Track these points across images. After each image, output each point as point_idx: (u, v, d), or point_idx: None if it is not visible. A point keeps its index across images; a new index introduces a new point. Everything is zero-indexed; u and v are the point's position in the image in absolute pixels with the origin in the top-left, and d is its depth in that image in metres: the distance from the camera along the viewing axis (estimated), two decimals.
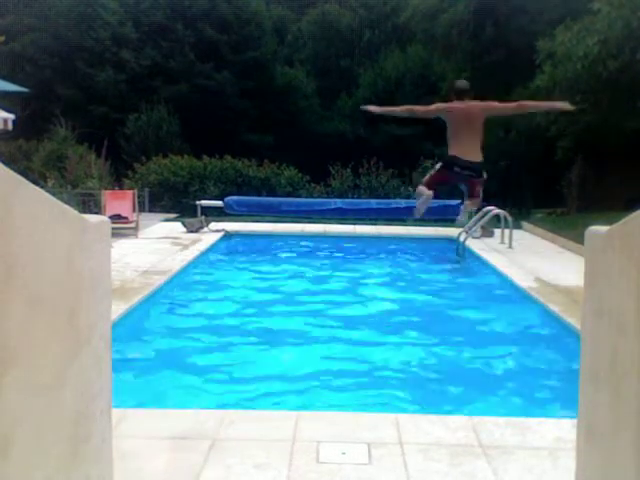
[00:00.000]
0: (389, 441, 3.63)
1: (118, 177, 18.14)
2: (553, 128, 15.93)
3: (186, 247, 11.15)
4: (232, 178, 18.59)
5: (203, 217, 13.92)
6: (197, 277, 9.49)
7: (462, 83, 10.40)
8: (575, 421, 2.57)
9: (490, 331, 6.96)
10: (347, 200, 16.21)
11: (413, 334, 6.78)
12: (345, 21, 27.26)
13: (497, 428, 3.85)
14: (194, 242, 11.74)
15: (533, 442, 3.67)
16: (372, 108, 10.49)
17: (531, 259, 10.40)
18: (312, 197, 17.56)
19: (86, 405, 2.26)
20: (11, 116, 12.88)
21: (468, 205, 10.43)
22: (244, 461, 3.37)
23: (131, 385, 5.04)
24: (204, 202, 15.05)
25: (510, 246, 11.59)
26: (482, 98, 10.15)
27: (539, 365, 5.82)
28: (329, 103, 25.54)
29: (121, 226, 12.05)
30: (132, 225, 12.48)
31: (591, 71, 13.40)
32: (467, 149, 9.76)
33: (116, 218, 12.11)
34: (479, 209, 11.55)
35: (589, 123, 14.64)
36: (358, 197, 17.71)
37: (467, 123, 9.75)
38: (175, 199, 18.05)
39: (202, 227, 13.45)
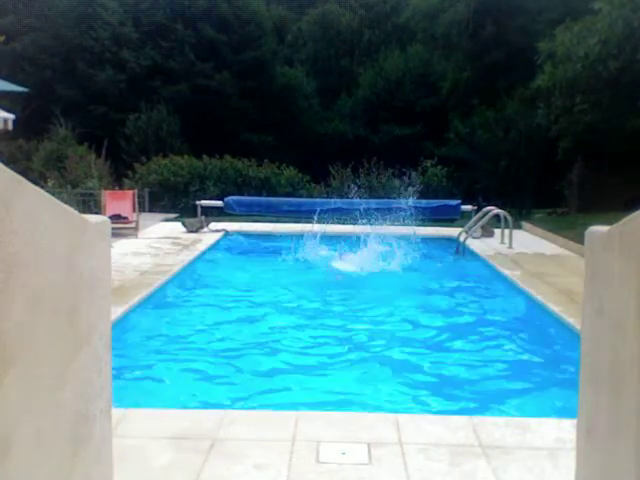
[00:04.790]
0: (389, 441, 3.63)
1: (118, 177, 18.14)
2: (553, 128, 15.93)
3: (186, 247, 11.15)
4: (232, 178, 18.59)
5: (203, 217, 13.92)
6: (197, 277, 9.48)
7: None
8: (575, 421, 2.57)
9: (490, 327, 6.96)
10: (347, 200, 16.19)
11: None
12: (345, 21, 27.26)
13: (497, 428, 3.85)
14: (194, 242, 11.74)
15: (533, 442, 3.67)
16: None
17: (531, 259, 10.40)
18: (312, 197, 17.55)
19: (86, 405, 2.26)
20: (11, 116, 12.88)
21: None
22: (244, 461, 3.37)
23: (130, 384, 5.04)
24: (204, 202, 15.04)
25: (510, 246, 11.58)
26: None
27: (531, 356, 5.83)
28: (329, 103, 25.54)
29: (121, 226, 12.05)
30: (132, 225, 12.48)
31: (592, 71, 13.39)
32: None
33: (116, 218, 12.11)
34: (479, 209, 11.55)
35: (589, 123, 14.63)
36: (358, 197, 17.71)
37: None
38: (175, 199, 18.05)
39: (202, 227, 13.45)
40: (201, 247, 11.22)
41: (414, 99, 23.56)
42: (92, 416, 2.33)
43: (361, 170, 18.47)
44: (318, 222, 12.23)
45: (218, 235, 12.92)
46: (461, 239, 11.45)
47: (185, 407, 4.46)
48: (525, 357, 6.10)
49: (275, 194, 17.72)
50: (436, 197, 16.66)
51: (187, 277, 9.19)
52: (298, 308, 7.80)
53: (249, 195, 17.16)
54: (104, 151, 17.68)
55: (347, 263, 10.20)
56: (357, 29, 27.21)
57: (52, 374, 1.97)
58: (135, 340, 6.22)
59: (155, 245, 11.30)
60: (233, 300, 8.07)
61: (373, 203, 15.54)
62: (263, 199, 16.57)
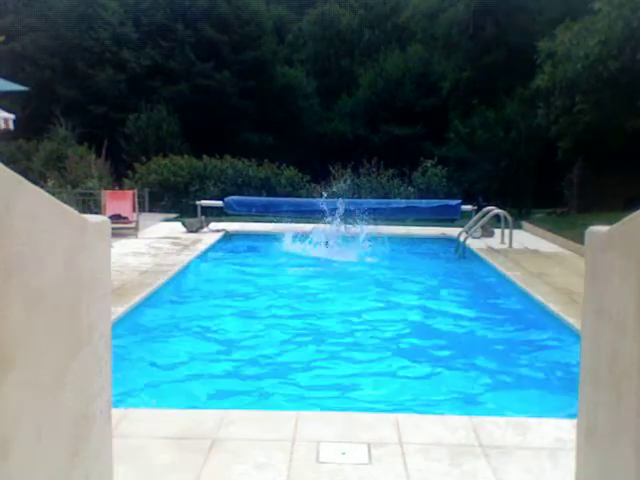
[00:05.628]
0: (389, 441, 3.63)
1: (118, 177, 18.14)
2: (553, 128, 15.93)
3: (186, 247, 11.15)
4: (232, 178, 18.59)
5: (203, 217, 13.92)
6: (197, 277, 9.49)
7: None
8: (575, 421, 2.57)
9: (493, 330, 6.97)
10: (347, 200, 16.18)
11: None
12: (345, 21, 27.27)
13: (497, 428, 3.85)
14: (194, 242, 11.74)
15: (533, 442, 3.67)
16: None
17: (531, 259, 10.40)
18: (312, 197, 17.55)
19: (86, 405, 2.26)
20: (12, 116, 12.87)
21: None
22: (244, 461, 3.37)
23: (130, 386, 5.04)
24: (204, 202, 15.04)
25: (510, 246, 11.58)
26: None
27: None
28: (329, 103, 25.55)
29: (121, 226, 12.05)
30: (132, 225, 12.48)
31: (591, 71, 13.39)
32: None
33: (116, 218, 12.11)
34: (479, 209, 11.55)
35: (589, 123, 14.63)
36: (358, 197, 17.71)
37: None
38: (175, 199, 18.05)
39: (202, 227, 13.45)
40: (201, 247, 11.22)
41: (414, 99, 23.56)
42: (92, 416, 2.33)
43: (361, 170, 18.48)
44: (319, 222, 12.25)
45: (218, 235, 12.92)
46: (461, 239, 11.45)
47: (185, 407, 4.45)
48: (524, 357, 6.10)
49: (275, 194, 17.72)
50: (436, 197, 16.66)
51: (187, 277, 9.19)
52: (299, 305, 7.80)
53: (249, 195, 17.16)
54: (104, 151, 17.67)
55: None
56: (357, 29, 27.22)
57: (52, 374, 1.97)
58: (135, 340, 6.22)
59: (155, 245, 11.30)
60: (233, 299, 8.07)
61: (373, 203, 15.56)
62: (263, 199, 16.56)
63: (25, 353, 1.75)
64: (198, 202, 14.94)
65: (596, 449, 2.29)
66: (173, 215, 16.44)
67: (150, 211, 16.74)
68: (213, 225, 13.74)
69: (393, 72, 24.10)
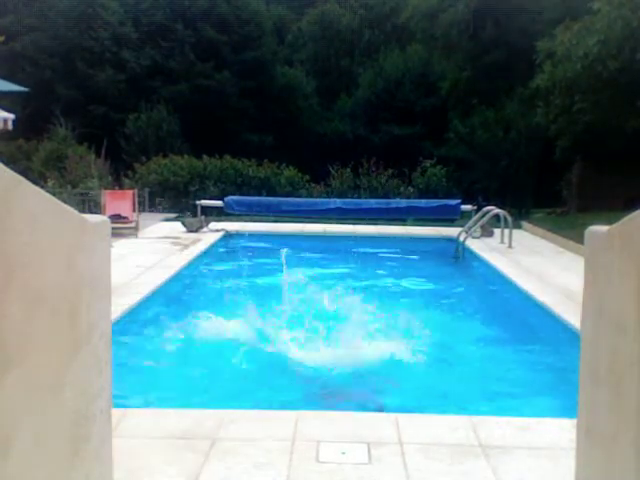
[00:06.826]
0: (389, 441, 3.63)
1: (118, 177, 18.13)
2: (552, 127, 15.91)
3: (186, 247, 11.15)
4: (232, 178, 18.59)
5: (203, 217, 13.92)
6: (197, 276, 9.48)
7: None
8: (575, 421, 2.57)
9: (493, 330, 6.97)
10: (347, 200, 16.20)
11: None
12: (345, 21, 27.28)
13: (497, 428, 3.84)
14: (194, 242, 11.74)
15: (533, 442, 3.67)
16: None
17: (531, 259, 10.39)
18: (312, 197, 17.56)
19: (86, 405, 2.26)
20: (11, 116, 12.87)
21: None
22: (244, 461, 3.37)
23: (131, 385, 5.04)
24: (204, 202, 15.04)
25: (510, 246, 11.58)
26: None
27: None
28: (329, 103, 25.55)
29: (121, 226, 12.04)
30: (132, 225, 12.48)
31: (591, 71, 13.39)
32: None
33: (116, 218, 12.10)
34: (479, 208, 11.55)
35: (588, 123, 14.62)
36: (358, 197, 17.73)
37: None
38: (175, 199, 18.05)
39: (202, 227, 13.46)
40: (201, 247, 11.22)
41: (414, 99, 23.56)
42: (92, 416, 2.33)
43: (361, 170, 18.48)
44: (318, 222, 12.23)
45: (218, 235, 12.92)
46: (461, 239, 11.45)
47: (185, 406, 4.45)
48: (524, 357, 6.10)
49: (275, 194, 17.71)
50: (436, 197, 16.66)
51: (187, 276, 9.19)
52: (300, 305, 7.78)
53: (249, 195, 17.16)
54: (104, 151, 17.67)
55: None
56: (357, 29, 27.24)
57: (52, 374, 1.97)
58: (136, 340, 6.22)
59: (155, 245, 11.30)
60: (233, 299, 8.05)
61: (373, 203, 15.56)
62: (263, 199, 16.56)
63: (25, 353, 1.75)
64: (198, 202, 14.93)
65: (596, 449, 2.29)
66: (173, 215, 16.43)
67: (150, 211, 16.74)
68: (213, 225, 13.75)
69: (393, 72, 24.10)
